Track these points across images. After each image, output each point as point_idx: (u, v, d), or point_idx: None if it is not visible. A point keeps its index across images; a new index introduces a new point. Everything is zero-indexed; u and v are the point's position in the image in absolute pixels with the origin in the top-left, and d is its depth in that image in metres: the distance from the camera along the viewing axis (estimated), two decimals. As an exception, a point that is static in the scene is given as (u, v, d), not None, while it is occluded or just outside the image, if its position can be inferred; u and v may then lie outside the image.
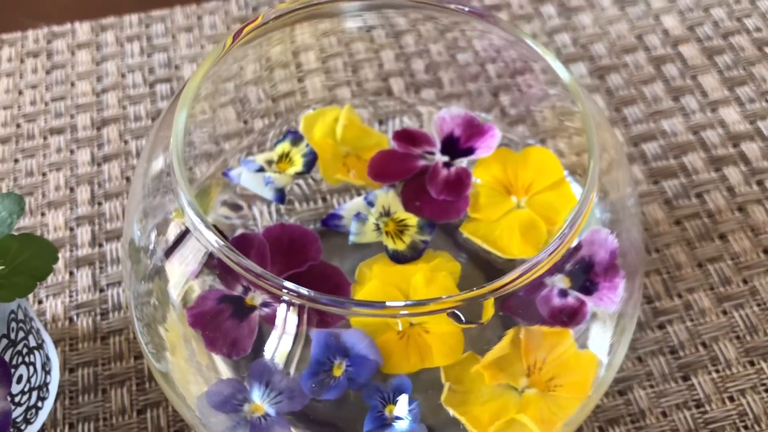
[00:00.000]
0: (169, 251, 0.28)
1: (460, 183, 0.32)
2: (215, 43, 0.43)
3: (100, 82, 0.42)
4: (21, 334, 0.29)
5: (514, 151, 0.33)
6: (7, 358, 0.28)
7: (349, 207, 0.31)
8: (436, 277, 0.29)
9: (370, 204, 0.30)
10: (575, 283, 0.28)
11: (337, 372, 0.27)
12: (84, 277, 0.36)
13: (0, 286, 0.26)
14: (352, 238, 0.31)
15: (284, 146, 0.32)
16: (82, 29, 0.45)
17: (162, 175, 0.27)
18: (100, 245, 0.37)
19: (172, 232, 0.27)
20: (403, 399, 0.26)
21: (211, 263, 0.28)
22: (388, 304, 0.24)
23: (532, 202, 0.31)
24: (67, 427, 0.32)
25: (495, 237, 0.31)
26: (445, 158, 0.32)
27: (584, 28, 0.44)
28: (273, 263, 0.30)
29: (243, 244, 0.30)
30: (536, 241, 0.31)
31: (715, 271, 0.36)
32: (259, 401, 0.27)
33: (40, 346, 0.30)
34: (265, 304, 0.27)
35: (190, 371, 0.28)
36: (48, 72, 0.43)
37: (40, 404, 0.31)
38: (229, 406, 0.27)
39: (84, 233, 0.37)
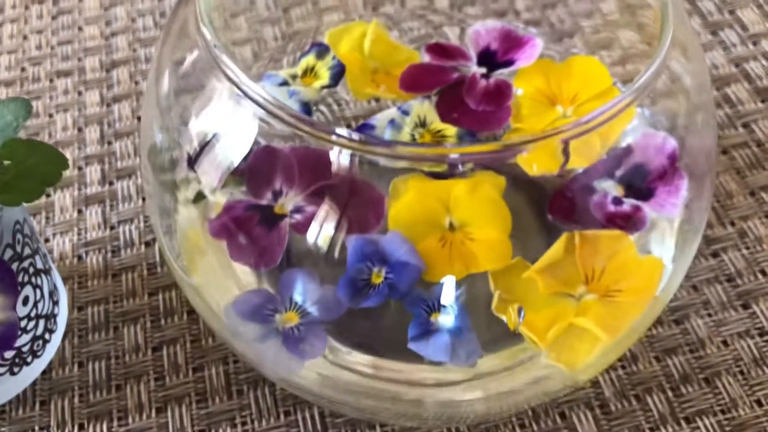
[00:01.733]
0: (196, 157, 0.25)
1: (500, 93, 0.30)
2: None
3: (108, 26, 0.40)
4: (27, 251, 0.26)
5: (557, 62, 0.31)
6: (12, 273, 0.25)
7: (382, 117, 0.28)
8: (479, 187, 0.27)
9: (405, 113, 0.28)
10: (630, 189, 0.26)
11: (377, 280, 0.25)
12: (93, 214, 0.34)
13: (5, 190, 0.24)
14: (383, 160, 0.28)
15: (309, 60, 0.30)
16: (90, -25, 0.43)
17: (185, 73, 0.25)
18: (111, 183, 0.35)
19: (199, 135, 0.25)
20: (450, 306, 0.24)
21: (240, 169, 0.26)
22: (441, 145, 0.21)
23: (579, 111, 0.29)
24: (76, 365, 0.30)
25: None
26: (483, 70, 0.30)
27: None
28: (301, 177, 0.27)
29: (268, 156, 0.27)
30: (589, 156, 0.28)
31: (770, 198, 0.33)
32: (292, 311, 0.24)
33: (47, 272, 0.28)
34: (296, 210, 0.25)
35: (220, 281, 0.25)
36: (54, 17, 0.41)
37: (47, 336, 0.28)
38: (259, 315, 0.24)
39: (93, 172, 0.35)
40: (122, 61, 0.39)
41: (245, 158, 0.25)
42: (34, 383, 0.29)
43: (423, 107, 0.29)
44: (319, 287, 0.25)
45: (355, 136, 0.20)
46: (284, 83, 0.30)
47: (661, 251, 0.25)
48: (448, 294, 0.24)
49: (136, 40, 0.40)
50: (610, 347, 0.23)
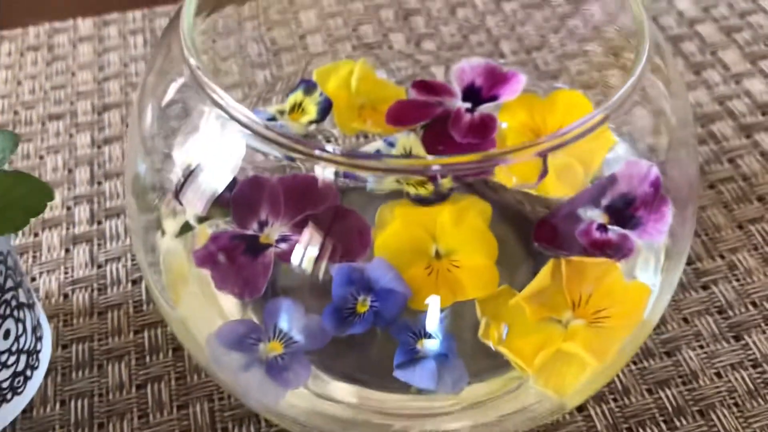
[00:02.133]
0: (181, 186, 0.25)
1: (484, 126, 0.30)
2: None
3: (101, 71, 0.41)
4: (10, 283, 0.26)
5: (541, 97, 0.31)
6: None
7: (368, 148, 0.29)
8: (464, 214, 0.27)
9: (390, 145, 0.28)
10: (616, 218, 0.26)
11: (362, 309, 0.24)
12: (81, 253, 0.33)
13: (-11, 220, 0.24)
14: (370, 184, 0.29)
15: (297, 96, 0.31)
16: (84, 25, 0.44)
17: (171, 101, 0.26)
18: (99, 222, 0.34)
19: (184, 163, 0.25)
20: (436, 333, 0.24)
21: (223, 199, 0.26)
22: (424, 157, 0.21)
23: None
24: (58, 404, 0.29)
25: (523, 175, 0.29)
26: (467, 105, 0.31)
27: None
28: (287, 207, 0.28)
29: (254, 186, 0.28)
30: (573, 183, 0.29)
31: (758, 231, 0.33)
32: (276, 340, 0.24)
33: (30, 306, 0.28)
34: (282, 239, 0.25)
35: (205, 313, 0.25)
36: (48, 64, 0.41)
37: (29, 372, 0.28)
38: (243, 345, 0.24)
39: (82, 211, 0.35)
40: (114, 105, 0.39)
41: (231, 186, 0.25)
42: (13, 423, 0.28)
43: (409, 139, 0.29)
44: (304, 316, 0.24)
45: (339, 150, 0.20)
46: (272, 119, 0.30)
47: (646, 276, 0.25)
48: (434, 321, 0.24)
49: (128, 84, 0.40)
50: (599, 372, 0.23)
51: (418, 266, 0.26)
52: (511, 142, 0.30)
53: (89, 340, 0.31)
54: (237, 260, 0.25)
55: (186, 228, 0.27)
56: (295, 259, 0.25)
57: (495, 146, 0.30)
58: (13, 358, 0.26)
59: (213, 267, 0.25)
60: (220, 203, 0.27)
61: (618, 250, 0.25)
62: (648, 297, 0.24)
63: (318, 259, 0.25)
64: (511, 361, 0.23)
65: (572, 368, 0.23)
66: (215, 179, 0.24)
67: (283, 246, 0.25)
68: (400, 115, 0.31)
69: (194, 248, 0.26)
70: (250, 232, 0.25)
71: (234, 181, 0.27)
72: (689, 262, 0.32)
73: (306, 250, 0.25)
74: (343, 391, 0.25)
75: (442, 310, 0.24)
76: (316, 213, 0.27)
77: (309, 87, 0.31)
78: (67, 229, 0.34)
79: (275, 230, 0.26)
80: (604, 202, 0.26)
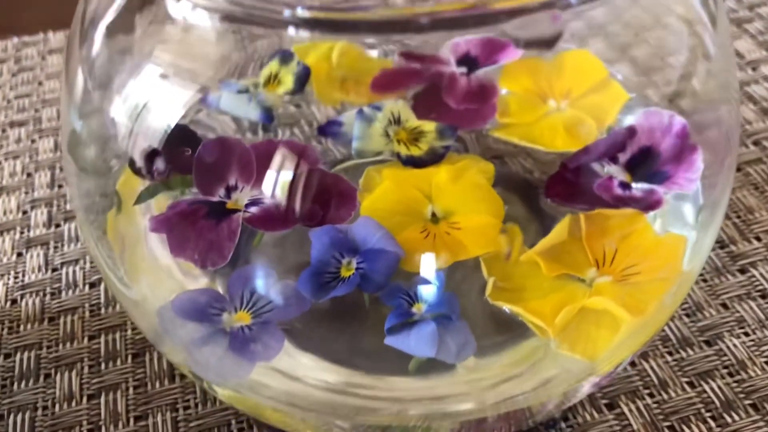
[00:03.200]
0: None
1: (483, 91, 0.27)
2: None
3: (71, 81, 0.38)
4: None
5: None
6: None
7: (349, 114, 0.25)
8: (464, 173, 0.23)
9: (377, 109, 0.25)
10: (639, 175, 0.22)
11: (347, 273, 0.21)
12: (35, 257, 0.30)
13: None
14: (355, 144, 0.25)
15: (272, 66, 0.27)
16: (56, 38, 0.41)
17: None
18: (58, 225, 0.31)
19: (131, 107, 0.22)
20: (435, 293, 0.20)
21: (184, 164, 0.22)
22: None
23: (576, 105, 0.26)
24: (-6, 419, 0.25)
25: (535, 136, 0.25)
26: (462, 69, 0.28)
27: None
28: (259, 172, 0.24)
29: (222, 149, 0.24)
30: (586, 138, 0.25)
31: (795, 211, 0.30)
32: (244, 310, 0.20)
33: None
34: (252, 203, 0.21)
35: (164, 290, 0.21)
36: (14, 74, 0.39)
37: (-42, 377, 0.24)
38: (202, 315, 0.20)
39: (39, 215, 0.31)
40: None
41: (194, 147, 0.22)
42: (-59, 441, 0.24)
43: (397, 105, 0.26)
44: (276, 281, 0.21)
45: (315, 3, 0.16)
46: (244, 91, 0.27)
47: (681, 226, 0.21)
48: (432, 279, 0.20)
49: (98, 92, 0.38)
50: (636, 330, 0.19)
51: (413, 230, 0.22)
52: (514, 108, 0.27)
53: (36, 347, 0.27)
54: (198, 224, 0.22)
55: (145, 195, 0.23)
56: (266, 225, 0.22)
57: (495, 111, 0.26)
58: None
59: (169, 231, 0.22)
60: (181, 169, 0.24)
61: (643, 203, 0.22)
62: (684, 248, 0.20)
63: (293, 223, 0.21)
64: (528, 323, 0.19)
65: (603, 329, 0.19)
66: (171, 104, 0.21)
67: (254, 210, 0.22)
68: (387, 82, 0.27)
69: (151, 215, 0.22)
70: (215, 198, 0.22)
71: (197, 140, 0.24)
72: (722, 246, 0.29)
73: (280, 213, 0.21)
74: (323, 372, 0.21)
75: (441, 270, 0.20)
76: (294, 175, 0.24)
77: (285, 56, 0.28)
78: (21, 233, 0.31)
79: (245, 195, 0.22)
80: (623, 158, 0.23)
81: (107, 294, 0.28)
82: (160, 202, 0.23)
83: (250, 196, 0.22)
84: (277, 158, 0.23)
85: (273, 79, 0.27)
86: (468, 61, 0.28)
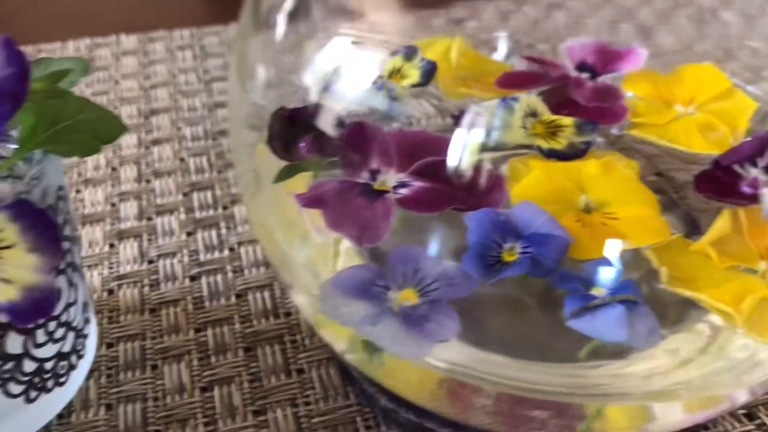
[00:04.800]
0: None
1: (609, 93, 0.26)
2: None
3: (148, 80, 0.38)
4: (68, 231, 0.21)
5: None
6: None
7: (488, 104, 0.25)
8: (613, 166, 0.23)
9: (513, 99, 0.25)
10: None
11: (509, 257, 0.20)
12: (128, 248, 0.29)
13: (56, 140, 0.20)
14: (496, 134, 0.24)
15: (395, 61, 0.27)
16: (128, 40, 0.41)
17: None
18: (149, 219, 0.30)
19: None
20: (614, 279, 0.19)
21: (330, 147, 0.22)
22: None
23: (703, 110, 0.26)
24: (102, 408, 0.23)
25: (671, 137, 0.25)
26: (585, 75, 0.27)
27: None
28: (399, 158, 0.23)
29: (361, 134, 0.24)
30: (720, 142, 0.25)
31: None
32: (409, 288, 0.19)
33: (82, 274, 0.23)
34: (401, 185, 0.21)
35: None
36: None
37: (74, 360, 0.22)
38: (368, 293, 0.19)
39: (128, 207, 0.30)
40: (162, 109, 0.35)
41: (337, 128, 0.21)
42: (47, 427, 0.22)
43: (531, 98, 0.26)
44: (440, 262, 0.20)
45: None
46: (374, 83, 0.27)
47: None
48: (608, 266, 0.19)
49: (178, 92, 0.37)
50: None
51: (568, 218, 0.21)
52: (642, 110, 0.26)
53: (140, 338, 0.25)
54: (353, 202, 0.21)
55: (285, 174, 0.23)
56: (419, 206, 0.21)
57: (626, 112, 0.26)
58: (61, 332, 0.21)
59: (324, 207, 0.21)
60: (325, 151, 0.23)
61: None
62: None
63: (435, 208, 0.21)
64: (713, 310, 0.18)
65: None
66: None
67: (404, 192, 0.21)
68: (513, 81, 0.27)
69: (295, 193, 0.22)
70: (362, 180, 0.21)
71: (340, 124, 0.23)
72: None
73: (434, 196, 0.21)
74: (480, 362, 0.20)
75: (610, 259, 0.20)
76: (435, 162, 0.23)
77: (409, 52, 0.27)
78: (112, 224, 0.30)
79: (390, 177, 0.22)
80: (762, 162, 0.22)
81: (210, 287, 0.27)
82: (292, 183, 0.23)
83: (396, 180, 0.22)
84: (421, 144, 0.23)
85: (396, 73, 0.27)
86: (586, 68, 0.28)
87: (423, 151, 0.23)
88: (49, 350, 0.21)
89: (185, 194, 0.31)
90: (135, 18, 0.42)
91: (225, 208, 0.30)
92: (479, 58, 0.29)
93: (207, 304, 0.26)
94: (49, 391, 0.21)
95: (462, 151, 0.22)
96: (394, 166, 0.22)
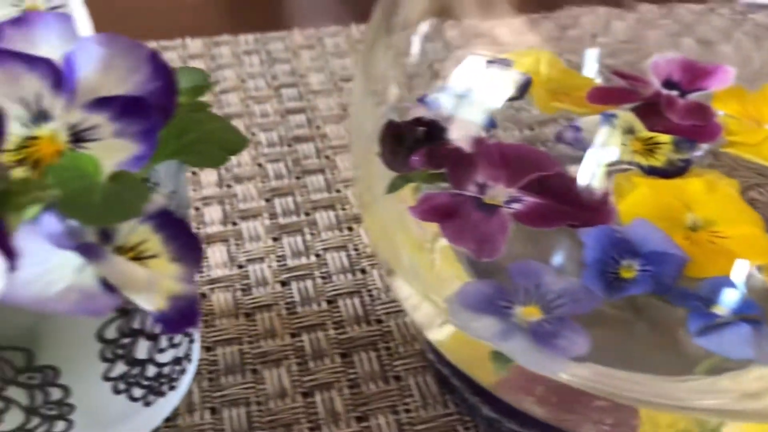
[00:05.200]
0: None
1: (702, 111, 0.27)
2: (341, 59, 0.40)
3: (217, 85, 0.38)
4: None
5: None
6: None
7: (589, 120, 0.25)
8: (716, 185, 0.24)
9: (613, 115, 0.25)
10: None
11: (627, 274, 0.20)
12: (217, 253, 0.29)
13: (187, 151, 0.20)
14: (593, 152, 0.25)
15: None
16: (194, 44, 0.41)
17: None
18: (234, 224, 0.30)
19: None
20: (734, 298, 0.19)
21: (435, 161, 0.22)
22: None
23: (795, 129, 0.27)
24: (207, 412, 0.24)
25: (765, 156, 0.25)
26: (674, 93, 0.28)
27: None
28: (507, 171, 0.24)
29: (474, 147, 0.24)
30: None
31: None
32: (532, 305, 0.19)
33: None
34: (513, 200, 0.21)
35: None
36: (159, 76, 0.39)
37: (185, 365, 0.23)
38: (493, 308, 0.19)
39: (213, 212, 0.31)
40: (235, 115, 0.36)
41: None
42: (156, 431, 0.23)
43: (628, 115, 0.26)
44: (561, 278, 0.20)
45: None
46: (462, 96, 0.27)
47: None
48: (728, 285, 0.20)
49: (248, 97, 0.37)
50: None
51: (677, 236, 0.22)
52: (734, 128, 0.27)
53: (236, 342, 0.26)
54: (471, 216, 0.21)
55: (396, 185, 0.23)
56: (534, 221, 0.21)
57: (720, 130, 0.27)
58: (179, 337, 0.21)
59: (442, 221, 0.21)
60: (430, 164, 0.24)
61: None
62: None
63: (550, 223, 0.21)
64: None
65: None
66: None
67: (518, 206, 0.22)
68: (605, 97, 0.28)
69: (407, 205, 0.22)
70: (469, 193, 0.22)
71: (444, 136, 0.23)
72: None
73: (540, 213, 0.21)
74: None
75: (726, 278, 0.20)
76: (545, 177, 0.24)
77: (504, 65, 0.28)
78: (198, 228, 0.30)
79: (500, 192, 0.22)
80: None
81: (301, 292, 0.27)
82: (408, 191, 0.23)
83: (507, 194, 0.22)
84: (525, 158, 0.23)
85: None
86: (671, 87, 0.28)
87: (527, 165, 0.24)
88: (168, 355, 0.21)
89: (267, 200, 0.31)
90: (201, 21, 0.43)
91: (307, 214, 0.31)
92: (567, 71, 0.30)
93: (299, 309, 0.27)
94: (163, 395, 0.22)
95: (573, 167, 0.23)
96: (503, 180, 0.23)
